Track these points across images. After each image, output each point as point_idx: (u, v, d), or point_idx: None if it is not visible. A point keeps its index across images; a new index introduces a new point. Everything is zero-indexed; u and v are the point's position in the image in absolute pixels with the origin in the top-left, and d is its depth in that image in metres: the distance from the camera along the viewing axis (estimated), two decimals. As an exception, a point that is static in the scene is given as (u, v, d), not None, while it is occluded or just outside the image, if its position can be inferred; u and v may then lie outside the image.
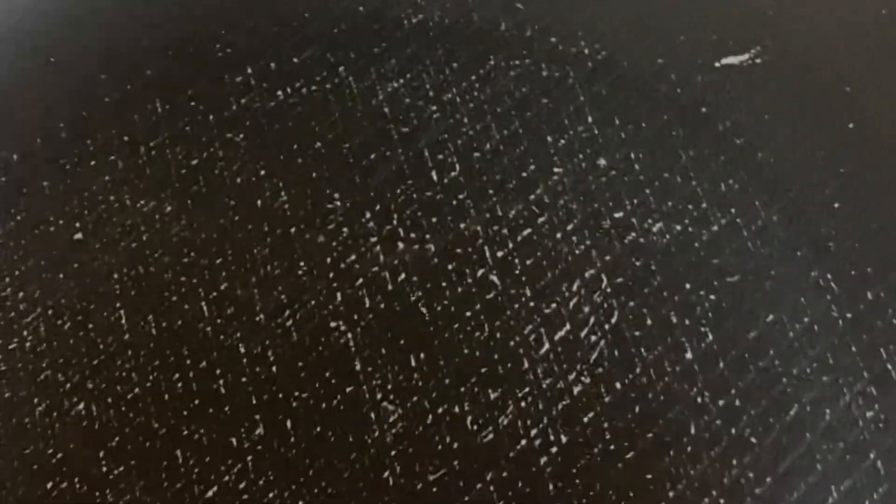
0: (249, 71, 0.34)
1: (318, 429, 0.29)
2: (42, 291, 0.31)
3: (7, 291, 0.31)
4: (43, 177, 0.33)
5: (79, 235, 0.32)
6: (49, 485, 0.28)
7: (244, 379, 0.29)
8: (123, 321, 0.30)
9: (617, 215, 0.32)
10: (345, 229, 0.32)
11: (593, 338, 0.30)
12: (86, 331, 0.30)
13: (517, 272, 0.31)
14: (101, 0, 0.36)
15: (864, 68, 0.35)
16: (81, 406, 0.29)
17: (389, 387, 0.29)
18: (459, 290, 0.31)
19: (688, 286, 0.31)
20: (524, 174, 0.32)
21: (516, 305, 0.30)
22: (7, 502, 0.28)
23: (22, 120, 0.34)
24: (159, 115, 0.34)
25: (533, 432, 0.29)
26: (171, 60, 0.34)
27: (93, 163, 0.33)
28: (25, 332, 0.30)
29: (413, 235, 0.31)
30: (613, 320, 0.30)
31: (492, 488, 0.28)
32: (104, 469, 0.29)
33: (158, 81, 0.34)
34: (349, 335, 0.30)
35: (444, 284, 0.31)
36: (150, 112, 0.34)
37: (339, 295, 0.31)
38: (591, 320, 0.30)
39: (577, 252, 0.31)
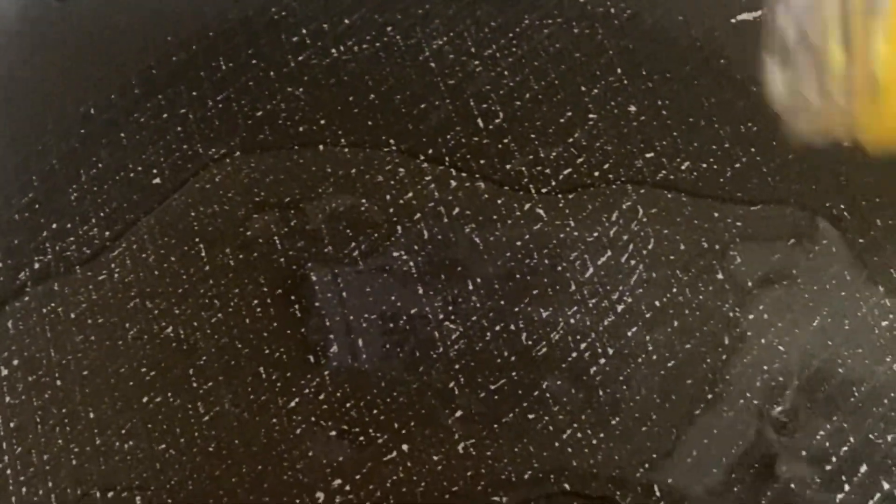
0: (304, 31, 0.37)
1: (387, 346, 0.32)
2: (126, 230, 0.33)
3: (94, 231, 0.33)
4: (120, 128, 0.35)
5: (157, 180, 0.34)
6: (144, 399, 0.31)
7: (317, 304, 0.32)
8: (203, 254, 0.33)
9: (648, 155, 0.35)
10: (401, 170, 0.34)
11: (633, 262, 0.33)
12: (169, 263, 0.33)
13: (560, 205, 0.34)
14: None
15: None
16: (170, 330, 0.32)
17: (450, 308, 0.32)
18: (509, 221, 0.34)
19: (716, 215, 0.34)
20: (562, 120, 0.35)
21: (561, 234, 0.33)
22: (106, 414, 0.31)
23: (97, 77, 0.36)
24: (224, 73, 0.36)
25: (582, 346, 0.32)
26: (232, 23, 0.37)
27: (165, 115, 0.35)
28: (113, 265, 0.33)
29: (464, 174, 0.34)
30: (650, 246, 0.33)
31: (547, 395, 0.31)
32: (194, 384, 0.31)
33: (221, 42, 0.37)
34: (411, 263, 0.33)
35: (494, 217, 0.34)
36: (215, 69, 0.36)
37: (399, 228, 0.33)
38: (630, 247, 0.33)
39: (614, 187, 0.34)
